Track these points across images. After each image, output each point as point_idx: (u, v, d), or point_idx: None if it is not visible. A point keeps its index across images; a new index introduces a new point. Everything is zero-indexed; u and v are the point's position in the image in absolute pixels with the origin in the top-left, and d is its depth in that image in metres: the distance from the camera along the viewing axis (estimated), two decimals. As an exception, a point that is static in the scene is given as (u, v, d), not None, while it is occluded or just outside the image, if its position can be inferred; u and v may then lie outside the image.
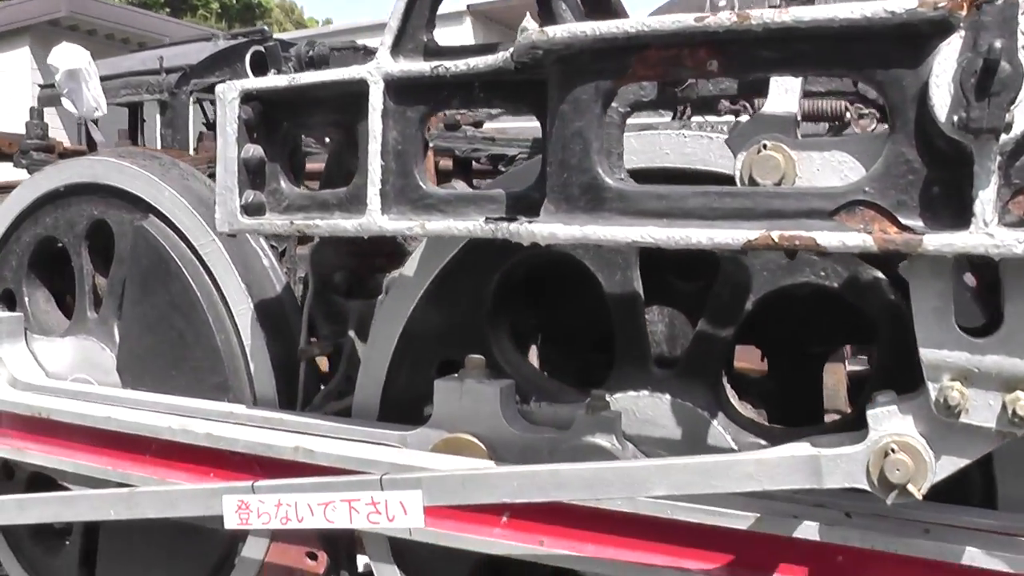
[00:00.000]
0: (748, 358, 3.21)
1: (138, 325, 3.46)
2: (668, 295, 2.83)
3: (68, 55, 6.34)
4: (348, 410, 3.08)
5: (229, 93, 2.63)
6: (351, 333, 3.23)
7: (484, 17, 24.51)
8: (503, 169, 3.60)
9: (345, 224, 2.41)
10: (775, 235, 1.81)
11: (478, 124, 4.23)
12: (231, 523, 2.49)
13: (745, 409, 2.70)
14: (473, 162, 4.09)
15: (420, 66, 2.30)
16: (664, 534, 2.26)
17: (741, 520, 2.20)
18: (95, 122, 8.30)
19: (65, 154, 4.82)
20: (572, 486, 2.07)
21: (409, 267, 2.84)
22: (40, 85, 13.29)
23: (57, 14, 18.84)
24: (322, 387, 3.30)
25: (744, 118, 2.98)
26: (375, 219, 2.35)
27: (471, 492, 2.17)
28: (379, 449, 2.60)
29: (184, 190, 3.44)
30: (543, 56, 2.00)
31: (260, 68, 11.25)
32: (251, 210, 2.63)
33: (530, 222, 2.01)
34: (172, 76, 10.69)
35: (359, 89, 2.38)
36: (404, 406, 2.88)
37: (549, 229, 1.98)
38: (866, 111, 3.99)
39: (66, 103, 6.51)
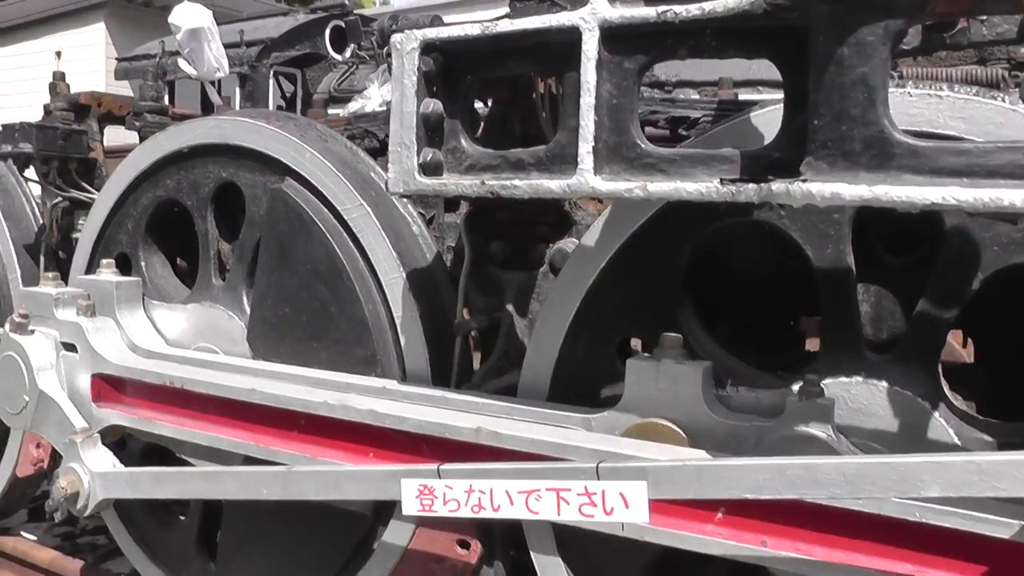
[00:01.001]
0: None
1: (273, 293, 3.26)
2: (876, 271, 2.58)
3: (190, 14, 6.13)
4: (508, 389, 2.87)
5: (408, 43, 2.42)
6: (509, 307, 3.02)
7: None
8: (684, 133, 3.35)
9: (550, 185, 2.19)
10: (1105, 199, 1.56)
11: (655, 85, 3.99)
12: (410, 509, 2.27)
13: (957, 400, 2.46)
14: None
15: (644, 11, 2.07)
16: (908, 539, 2.01)
17: (1002, 528, 1.95)
18: (171, 96, 8.13)
19: (177, 117, 4.65)
20: (829, 482, 1.82)
21: (589, 237, 2.62)
22: (116, 59, 13.33)
23: (132, -10, 18.75)
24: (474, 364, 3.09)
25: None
26: (587, 179, 2.13)
27: (706, 486, 1.93)
28: (580, 434, 2.37)
29: (325, 152, 3.24)
30: (814, -6, 1.76)
31: (339, 43, 11.16)
32: (429, 169, 2.42)
33: (804, 181, 1.77)
34: (252, 49, 10.69)
35: (568, 38, 2.16)
36: (577, 387, 2.67)
37: (831, 189, 1.73)
38: (1027, 79, 3.70)
39: (183, 64, 6.31)
